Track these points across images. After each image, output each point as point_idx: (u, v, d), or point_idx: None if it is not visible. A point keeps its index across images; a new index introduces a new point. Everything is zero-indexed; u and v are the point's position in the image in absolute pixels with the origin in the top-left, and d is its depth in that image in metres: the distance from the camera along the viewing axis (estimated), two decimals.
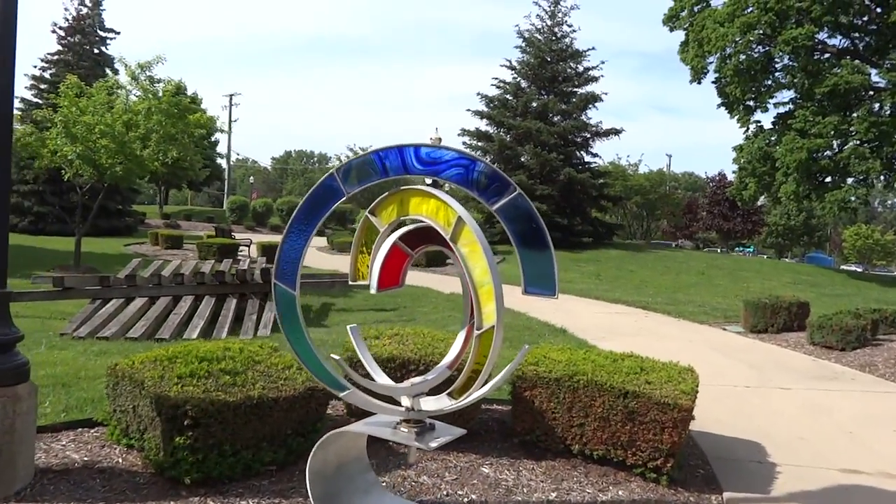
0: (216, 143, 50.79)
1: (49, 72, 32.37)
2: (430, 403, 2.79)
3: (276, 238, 28.87)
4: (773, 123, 27.10)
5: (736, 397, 7.18)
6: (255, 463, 4.00)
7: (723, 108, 28.19)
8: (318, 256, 23.36)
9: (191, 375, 4.00)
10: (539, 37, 31.45)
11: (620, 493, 4.41)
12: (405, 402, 2.76)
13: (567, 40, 31.50)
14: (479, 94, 31.32)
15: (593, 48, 33.67)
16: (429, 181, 2.57)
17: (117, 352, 7.22)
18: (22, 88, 30.94)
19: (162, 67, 18.66)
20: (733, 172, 29.83)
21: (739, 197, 29.20)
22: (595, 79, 31.11)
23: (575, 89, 30.99)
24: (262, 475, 4.03)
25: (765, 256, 48.72)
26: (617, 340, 10.20)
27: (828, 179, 25.49)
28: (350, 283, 2.82)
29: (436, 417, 2.90)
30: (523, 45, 31.47)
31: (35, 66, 32.68)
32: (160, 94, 14.90)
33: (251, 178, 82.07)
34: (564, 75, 31.00)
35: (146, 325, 8.45)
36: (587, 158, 31.74)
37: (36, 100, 29.65)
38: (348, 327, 3.14)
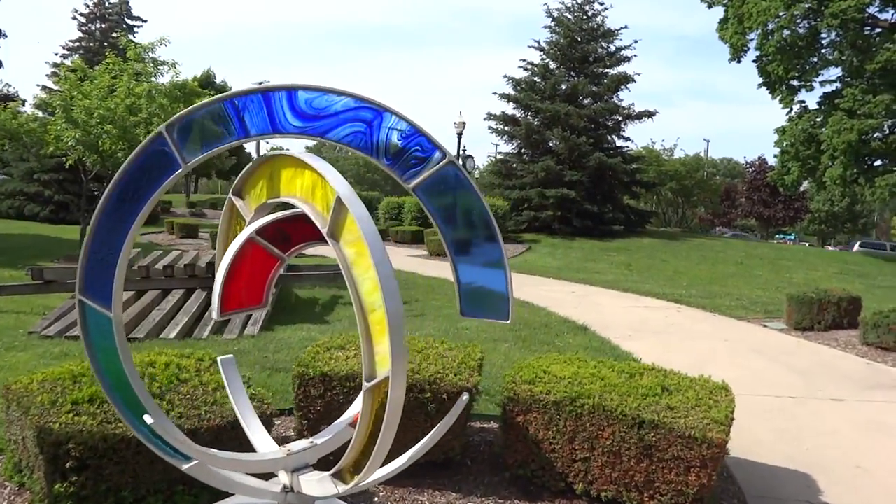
0: None
1: (70, 59, 32.18)
2: (314, 485, 1.92)
3: None
4: (819, 103, 25.45)
5: (779, 411, 6.18)
6: None
7: (764, 89, 26.64)
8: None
9: (89, 401, 3.21)
10: (569, 16, 30.12)
11: None
12: (283, 477, 1.92)
13: (598, 19, 30.09)
14: (505, 76, 30.22)
15: (626, 27, 32.02)
16: (310, 145, 1.72)
17: (79, 354, 6.50)
18: (43, 76, 30.79)
19: (165, 49, 18.04)
20: (774, 156, 28.28)
21: (781, 182, 27.65)
22: (627, 59, 29.67)
23: (606, 70, 29.59)
24: None
25: (806, 244, 46.72)
26: (644, 340, 9.22)
27: (878, 162, 23.85)
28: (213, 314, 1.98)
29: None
30: (552, 24, 30.17)
31: (56, 54, 32.53)
32: (163, 77, 14.26)
33: None
34: (595, 55, 29.62)
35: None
36: (619, 143, 30.37)
37: (57, 88, 29.43)
38: (219, 359, 2.32)
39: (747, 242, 32.58)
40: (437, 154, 1.70)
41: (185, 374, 3.64)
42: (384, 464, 1.84)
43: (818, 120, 24.77)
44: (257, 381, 5.81)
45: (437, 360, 4.09)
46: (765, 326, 11.17)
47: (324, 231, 1.61)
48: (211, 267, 9.68)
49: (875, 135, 22.84)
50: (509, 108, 30.20)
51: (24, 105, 19.22)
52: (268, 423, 3.52)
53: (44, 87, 28.25)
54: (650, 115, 29.70)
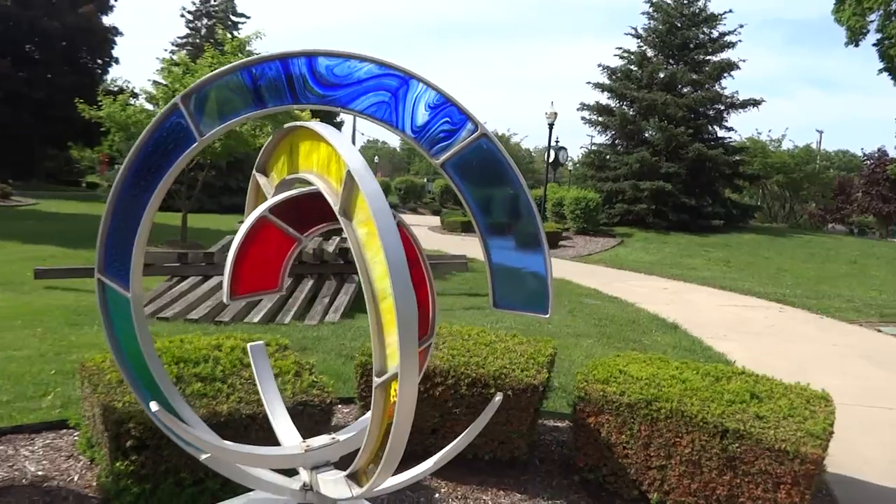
0: (341, 123, 51.69)
1: (176, 55, 33.81)
2: (331, 486, 1.77)
3: None
4: None
5: (890, 426, 5.59)
6: (227, 494, 3.17)
7: (885, 74, 24.54)
8: (429, 237, 22.77)
9: None
10: (669, 0, 28.86)
11: None
12: (303, 475, 1.80)
13: (700, 3, 28.57)
14: (600, 65, 29.29)
15: (730, 11, 30.11)
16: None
17: (167, 334, 6.72)
18: (153, 72, 32.55)
19: (260, 43, 18.45)
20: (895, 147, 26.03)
21: None
22: (731, 45, 28.04)
23: (708, 57, 28.11)
24: None
25: None
26: (740, 341, 8.66)
27: None
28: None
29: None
30: (650, 10, 28.94)
31: (165, 50, 34.34)
32: None
33: (376, 158, 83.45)
34: (696, 42, 28.20)
35: (211, 307, 8.00)
36: (720, 133, 28.84)
37: (163, 82, 31.07)
38: (249, 346, 2.22)
39: (862, 240, 30.30)
40: (469, 126, 1.52)
41: (248, 358, 3.62)
42: (412, 466, 1.70)
43: None
44: (331, 369, 5.83)
45: (504, 354, 3.91)
46: (879, 331, 10.27)
47: (335, 209, 1.47)
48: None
49: None
50: (604, 98, 29.31)
51: (136, 98, 20.34)
52: (328, 411, 3.46)
53: (154, 82, 29.93)
54: (755, 103, 28.03)
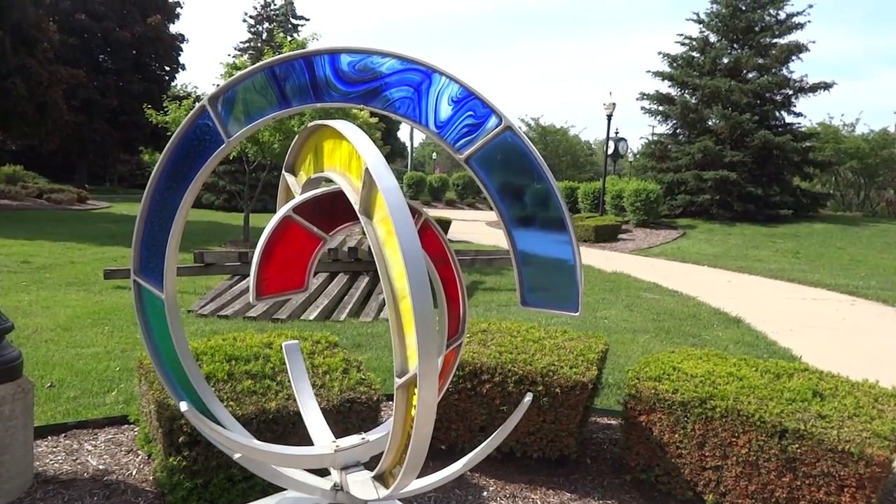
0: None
1: (238, 59, 34.83)
2: (359, 486, 1.76)
3: (444, 213, 28.64)
4: None
5: None
6: (275, 489, 3.24)
7: None
8: (487, 233, 22.73)
9: (206, 378, 3.32)
10: None
11: None
12: (334, 475, 1.79)
13: None
14: (660, 53, 28.53)
15: None
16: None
17: (228, 331, 6.94)
18: (216, 77, 33.61)
19: (317, 44, 18.68)
20: None
21: None
22: (800, 26, 26.82)
23: (774, 40, 26.98)
24: None
25: None
26: (807, 336, 8.31)
27: None
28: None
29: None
30: None
31: (228, 55, 35.37)
32: None
33: (434, 154, 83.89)
34: (762, 24, 27.09)
35: (268, 305, 8.19)
36: (788, 119, 27.66)
37: None
38: (283, 345, 2.24)
39: None
40: (493, 119, 1.48)
41: None
42: (441, 468, 1.68)
43: None
44: (384, 365, 5.89)
45: (553, 350, 3.85)
46: None
47: (356, 207, 1.46)
48: (353, 251, 10.00)
49: None
50: (664, 87, 28.56)
51: (199, 101, 21.00)
52: (375, 408, 3.48)
53: (217, 86, 31.00)
54: (826, 87, 26.80)
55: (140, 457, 3.67)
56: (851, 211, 36.38)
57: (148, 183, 1.83)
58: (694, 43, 28.13)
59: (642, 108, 28.70)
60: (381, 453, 1.64)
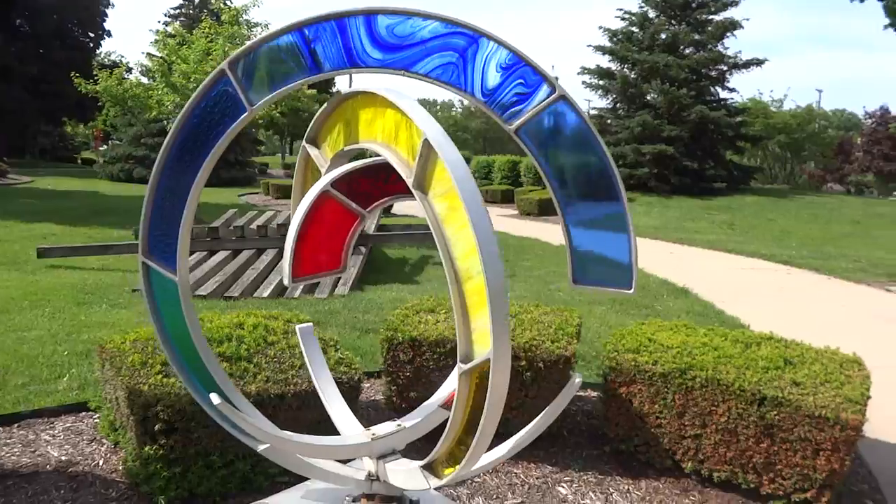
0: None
1: (171, 26, 33.25)
2: (402, 477, 1.69)
3: None
4: None
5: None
6: (258, 475, 3.14)
7: (892, 30, 24.12)
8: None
9: None
10: None
11: None
12: (367, 464, 1.71)
13: None
14: (601, 27, 28.82)
15: None
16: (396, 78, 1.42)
17: None
18: (147, 45, 32.11)
19: (258, 11, 17.86)
20: None
21: None
22: (735, 2, 27.57)
23: (710, 16, 27.65)
24: (267, 490, 3.16)
25: None
26: (751, 304, 8.60)
27: None
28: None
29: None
30: None
31: (159, 21, 33.78)
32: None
33: None
34: (699, 1, 27.76)
35: (219, 282, 7.92)
36: (722, 94, 28.49)
37: (158, 54, 30.59)
38: (297, 327, 2.13)
39: (863, 200, 30.20)
40: (545, 88, 1.40)
41: (272, 336, 3.55)
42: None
43: None
44: (347, 343, 5.76)
45: (531, 325, 3.83)
46: (888, 290, 10.22)
47: (409, 182, 1.36)
48: None
49: None
50: (604, 62, 28.91)
51: (129, 72, 19.97)
52: (356, 387, 3.40)
53: (148, 55, 29.52)
54: (758, 63, 27.68)
55: (105, 446, 3.48)
56: (778, 184, 37.95)
57: (157, 158, 1.67)
58: (633, 18, 28.51)
59: (583, 82, 29.03)
60: (415, 441, 1.57)
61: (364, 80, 1.51)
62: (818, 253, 14.37)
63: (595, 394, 4.41)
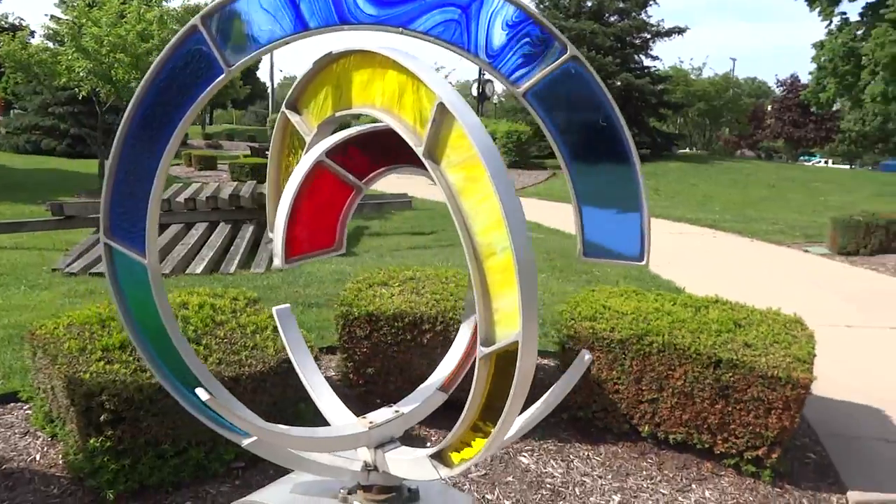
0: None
1: None
2: (406, 467, 1.59)
3: None
4: (861, 15, 23.99)
5: (838, 342, 5.85)
6: (213, 462, 2.99)
7: (802, 1, 25.13)
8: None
9: (120, 347, 2.96)
10: None
11: (708, 493, 3.28)
12: (363, 453, 1.62)
13: None
14: None
15: None
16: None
17: (105, 291, 6.31)
18: (51, 5, 29.89)
19: None
20: (809, 73, 26.99)
21: (815, 101, 26.43)
22: None
23: None
24: (222, 477, 3.02)
25: (828, 163, 45.41)
26: (683, 267, 8.87)
27: None
28: (267, 241, 1.63)
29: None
30: None
31: None
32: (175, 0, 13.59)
33: None
34: None
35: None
36: (646, 62, 29.15)
37: (65, 17, 28.59)
38: (274, 309, 2.00)
39: (776, 164, 31.69)
40: (556, 47, 1.30)
41: (220, 315, 3.37)
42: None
43: (859, 33, 23.41)
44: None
45: None
46: (806, 251, 10.76)
47: (419, 150, 1.23)
48: (235, 199, 9.38)
49: None
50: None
51: (32, 35, 18.58)
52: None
53: (52, 17, 27.55)
54: (680, 31, 28.38)
55: (41, 439, 3.23)
56: (697, 150, 39.30)
57: (119, 129, 1.47)
58: None
59: None
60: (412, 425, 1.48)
61: (349, 40, 1.37)
62: (740, 216, 14.98)
63: (548, 362, 4.42)
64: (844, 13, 24.49)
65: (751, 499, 3.26)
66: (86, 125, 27.01)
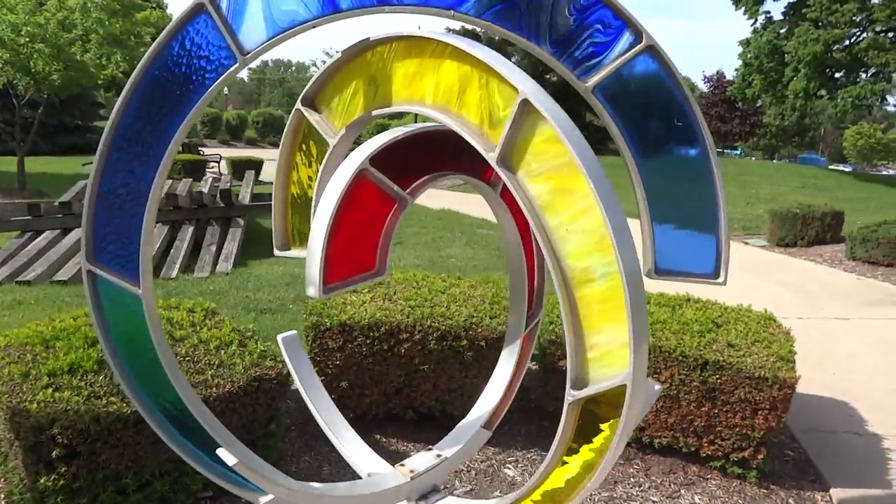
0: None
1: None
2: None
3: (251, 152, 26.80)
4: (784, 14, 24.96)
5: (800, 335, 5.94)
6: (178, 494, 2.71)
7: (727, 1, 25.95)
8: None
9: (69, 372, 2.64)
10: None
11: (697, 498, 3.21)
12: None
13: None
14: None
15: None
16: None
17: (36, 302, 5.84)
18: None
19: None
20: (735, 70, 27.90)
21: (741, 96, 27.38)
22: None
23: None
24: None
25: (752, 159, 47.26)
26: None
27: (838, 75, 23.71)
28: (277, 251, 1.41)
29: None
30: None
31: None
32: None
33: (226, 89, 78.03)
34: None
35: (79, 264, 7.01)
36: None
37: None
38: (279, 337, 1.78)
39: None
40: (627, 36, 1.13)
41: (179, 330, 3.08)
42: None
43: (783, 31, 24.34)
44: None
45: (465, 301, 3.61)
46: (746, 244, 11.03)
47: (490, 157, 1.02)
48: (173, 198, 8.87)
49: (843, 44, 22.58)
50: (469, 24, 28.90)
51: None
52: (284, 384, 3.02)
53: None
54: None
55: None
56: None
57: (104, 133, 1.19)
58: None
59: None
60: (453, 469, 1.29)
61: (378, 26, 1.17)
62: None
63: (533, 365, 4.28)
64: (769, 12, 25.42)
65: (740, 501, 3.21)
66: (1, 120, 25.31)
